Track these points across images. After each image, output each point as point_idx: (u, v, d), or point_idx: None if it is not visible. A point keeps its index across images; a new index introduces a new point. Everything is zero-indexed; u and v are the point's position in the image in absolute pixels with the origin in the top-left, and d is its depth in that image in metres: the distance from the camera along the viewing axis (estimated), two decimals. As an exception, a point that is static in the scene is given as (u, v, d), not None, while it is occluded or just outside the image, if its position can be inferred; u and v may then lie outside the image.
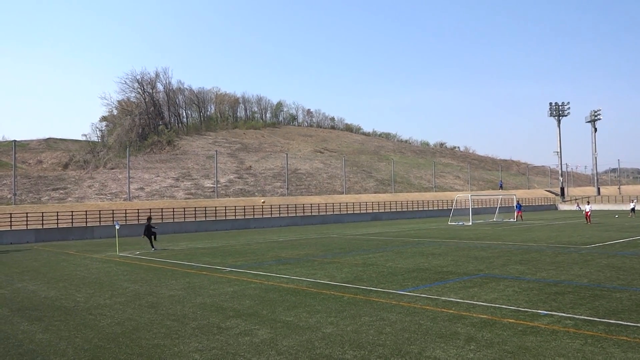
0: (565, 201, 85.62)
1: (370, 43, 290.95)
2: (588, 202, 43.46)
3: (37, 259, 22.46)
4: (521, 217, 46.88)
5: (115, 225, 25.02)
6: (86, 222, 38.84)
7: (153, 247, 25.03)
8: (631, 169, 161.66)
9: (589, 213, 39.79)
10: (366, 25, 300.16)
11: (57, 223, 37.56)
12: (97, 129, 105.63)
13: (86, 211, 40.21)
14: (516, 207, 46.97)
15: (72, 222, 38.20)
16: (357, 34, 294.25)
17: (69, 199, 55.04)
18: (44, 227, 36.62)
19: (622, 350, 7.06)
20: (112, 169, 72.66)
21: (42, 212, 38.43)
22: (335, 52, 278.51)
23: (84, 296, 12.54)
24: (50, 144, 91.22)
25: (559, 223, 40.66)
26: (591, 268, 15.08)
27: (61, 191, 58.29)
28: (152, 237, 25.26)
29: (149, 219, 26.50)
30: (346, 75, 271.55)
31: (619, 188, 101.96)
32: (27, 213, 37.50)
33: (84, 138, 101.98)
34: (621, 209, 68.44)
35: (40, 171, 69.16)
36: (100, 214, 40.37)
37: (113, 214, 40.82)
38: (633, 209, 51.24)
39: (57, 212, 38.98)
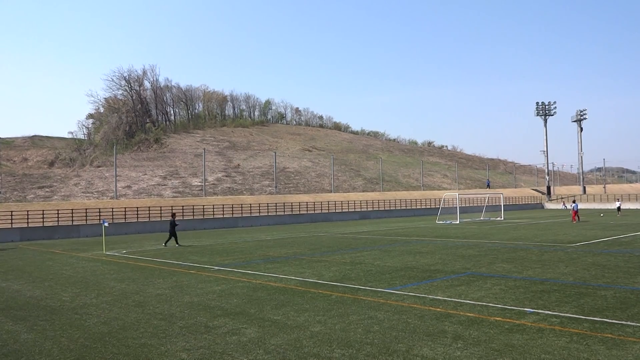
0: (551, 200, 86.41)
1: (359, 42, 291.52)
2: (574, 201, 43.85)
3: (22, 258, 22.19)
4: (578, 217, 40.84)
5: (103, 223, 24.79)
6: (72, 220, 38.46)
7: (167, 244, 25.63)
8: (616, 168, 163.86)
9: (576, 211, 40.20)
10: (355, 24, 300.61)
11: (43, 221, 37.15)
12: (84, 127, 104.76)
13: (72, 209, 39.81)
14: (573, 207, 41.55)
15: (58, 221, 37.79)
16: (346, 33, 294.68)
17: (55, 197, 54.47)
18: (29, 225, 36.19)
19: (606, 347, 7.14)
20: (99, 167, 72.02)
21: (28, 211, 37.99)
22: (324, 51, 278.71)
23: (69, 295, 12.41)
24: (35, 141, 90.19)
25: (545, 222, 41.01)
26: (577, 266, 15.23)
27: (47, 189, 57.68)
28: (174, 235, 25.66)
29: (174, 215, 26.78)
30: (335, 74, 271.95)
31: (604, 187, 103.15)
32: (12, 211, 37.05)
33: (70, 136, 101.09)
34: (606, 207, 69.29)
35: (25, 169, 68.34)
36: (86, 212, 39.99)
37: (99, 212, 40.47)
38: (619, 208, 51.97)
39: (43, 210, 38.56)
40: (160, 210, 43.79)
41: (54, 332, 8.77)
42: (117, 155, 54.48)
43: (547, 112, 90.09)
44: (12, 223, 35.72)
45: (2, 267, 18.73)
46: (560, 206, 75.59)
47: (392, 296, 11.20)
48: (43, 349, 7.77)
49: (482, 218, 48.02)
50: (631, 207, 68.98)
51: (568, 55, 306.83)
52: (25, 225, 36.18)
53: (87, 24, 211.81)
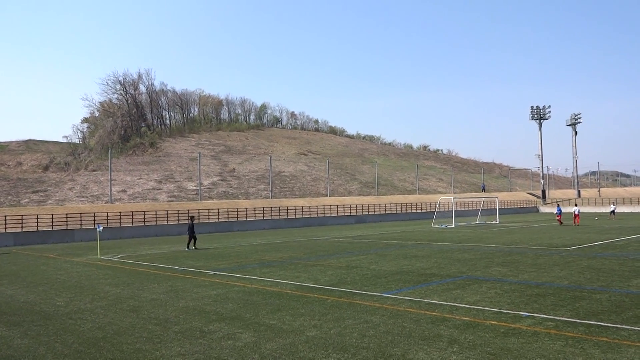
0: (546, 203, 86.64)
1: (354, 46, 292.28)
2: (576, 204, 44.29)
3: (16, 262, 22.07)
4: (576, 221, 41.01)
5: (97, 228, 24.71)
6: (67, 225, 38.29)
7: (194, 246, 26.06)
8: (610, 171, 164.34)
9: (578, 215, 41.06)
10: (351, 28, 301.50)
11: (37, 226, 36.96)
12: (79, 131, 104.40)
13: (67, 214, 39.63)
14: (557, 211, 42.98)
15: (52, 225, 37.62)
16: (341, 37, 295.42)
17: (49, 201, 54.23)
18: (23, 230, 35.98)
19: (601, 351, 7.15)
20: (94, 171, 71.77)
21: (22, 215, 37.79)
22: (320, 55, 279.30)
23: (64, 300, 12.34)
24: (30, 145, 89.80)
25: (540, 225, 41.13)
26: (572, 270, 15.27)
27: (41, 194, 57.43)
28: (194, 237, 26.07)
29: (192, 218, 27.30)
30: (330, 77, 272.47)
31: (599, 190, 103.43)
32: (5, 216, 36.84)
33: (65, 140, 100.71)
34: (601, 211, 69.59)
35: (19, 173, 68.04)
36: (81, 216, 39.82)
37: (94, 216, 40.30)
38: (613, 212, 52.17)
39: (37, 214, 38.37)
40: (156, 214, 43.64)
41: (48, 338, 8.72)
42: (112, 160, 54.31)
43: (541, 116, 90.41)
44: (6, 228, 35.51)
45: (-4, 272, 18.61)
46: (555, 210, 75.78)
47: (388, 300, 11.20)
48: (37, 355, 7.71)
49: (477, 222, 48.10)
50: (625, 211, 69.27)
51: (563, 59, 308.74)
52: (19, 229, 35.97)
53: (82, 27, 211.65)
